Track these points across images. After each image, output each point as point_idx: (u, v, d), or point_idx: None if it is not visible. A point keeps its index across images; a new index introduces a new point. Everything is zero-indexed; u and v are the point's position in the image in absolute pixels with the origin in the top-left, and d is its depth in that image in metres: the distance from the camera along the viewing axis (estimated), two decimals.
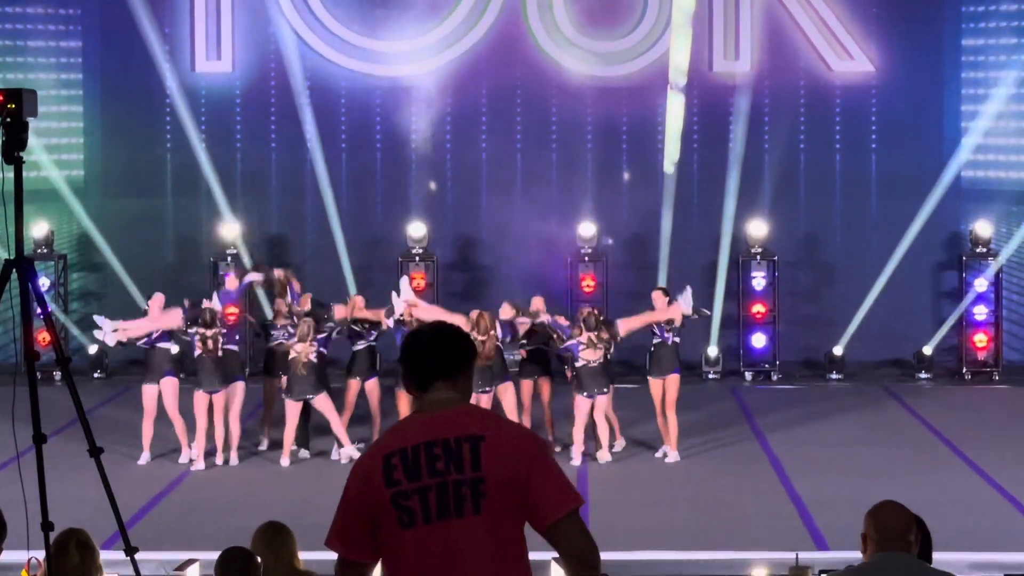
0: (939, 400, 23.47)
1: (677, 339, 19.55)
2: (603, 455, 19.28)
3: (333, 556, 12.85)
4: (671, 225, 25.69)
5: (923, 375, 25.14)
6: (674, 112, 25.92)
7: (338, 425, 19.26)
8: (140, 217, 26.61)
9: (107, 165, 26.83)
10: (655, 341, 19.58)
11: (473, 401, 6.28)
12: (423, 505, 5.87)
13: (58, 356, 8.20)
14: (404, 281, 20.52)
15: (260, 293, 24.81)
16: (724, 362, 25.33)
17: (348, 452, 19.11)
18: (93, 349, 25.05)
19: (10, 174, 7.86)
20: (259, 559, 7.91)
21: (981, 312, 25.16)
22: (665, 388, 19.47)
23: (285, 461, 19.13)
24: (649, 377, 19.72)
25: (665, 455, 19.54)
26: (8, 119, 7.86)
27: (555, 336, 19.52)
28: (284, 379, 19.35)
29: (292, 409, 19.11)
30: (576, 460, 19.05)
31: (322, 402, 19.13)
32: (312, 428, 19.89)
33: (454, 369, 6.06)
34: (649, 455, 19.74)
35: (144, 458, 19.08)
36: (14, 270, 7.78)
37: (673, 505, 17.42)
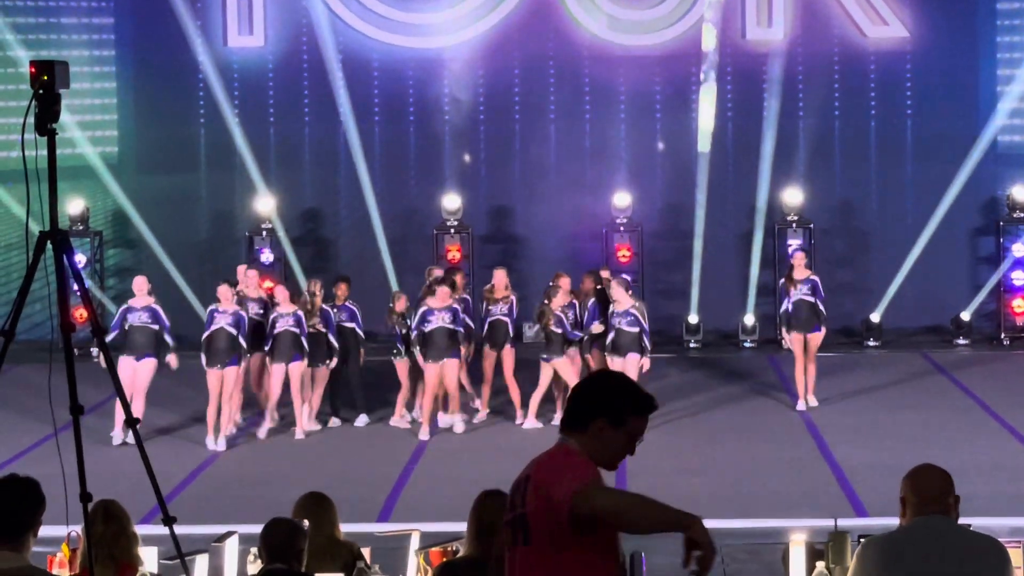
0: (978, 366, 23.41)
1: (812, 298, 20.46)
2: None
3: (372, 528, 12.92)
4: (706, 194, 25.65)
5: (961, 341, 25.07)
6: (707, 91, 25.94)
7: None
8: (175, 192, 26.68)
9: (141, 141, 26.90)
10: (794, 300, 20.50)
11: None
12: (509, 533, 6.20)
13: (94, 327, 8.21)
14: None
15: (299, 271, 24.93)
16: (760, 330, 25.27)
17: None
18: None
19: (43, 151, 7.88)
20: (306, 528, 7.91)
21: (1019, 277, 25.08)
22: (808, 342, 20.42)
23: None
24: (793, 332, 20.59)
25: (807, 404, 20.38)
26: (41, 91, 7.87)
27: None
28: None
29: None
30: None
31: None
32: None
33: (574, 424, 6.23)
34: (687, 423, 19.73)
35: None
36: (49, 243, 7.79)
37: (712, 473, 17.43)
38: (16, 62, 25.12)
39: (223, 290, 19.21)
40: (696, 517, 5.87)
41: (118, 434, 18.52)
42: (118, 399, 16.75)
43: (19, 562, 6.76)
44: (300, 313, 19.29)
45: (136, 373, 18.69)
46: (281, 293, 19.48)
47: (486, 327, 20.16)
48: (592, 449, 6.17)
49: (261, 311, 19.68)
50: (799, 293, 20.50)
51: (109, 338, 18.45)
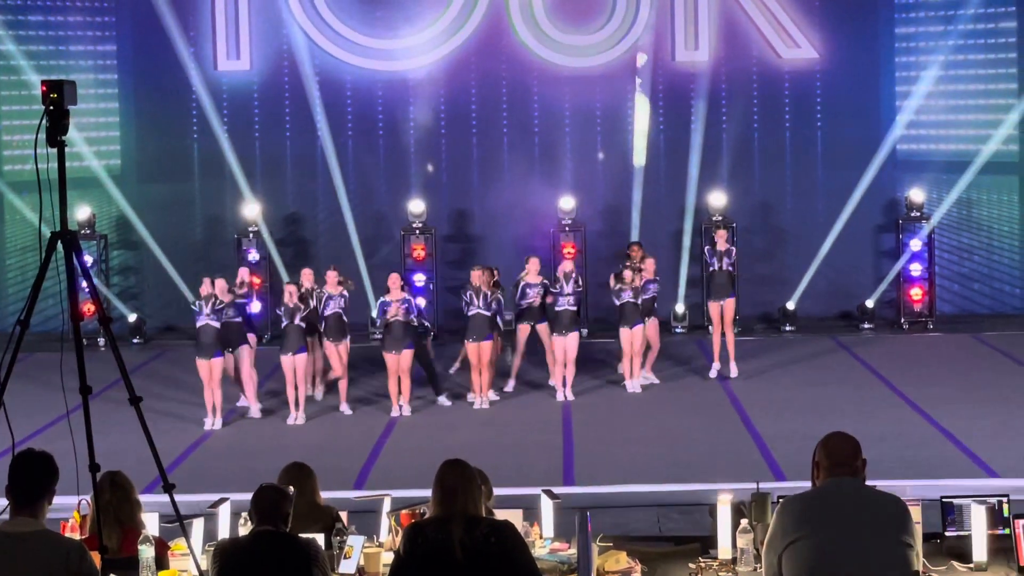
0: (880, 347, 23.50)
1: (731, 268, 21.05)
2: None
3: (349, 494, 12.83)
4: (641, 197, 25.71)
5: (866, 326, 25.17)
6: (641, 115, 25.97)
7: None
8: (171, 199, 26.58)
9: (141, 154, 26.78)
10: (711, 269, 21.08)
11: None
12: None
13: (100, 316, 8.16)
14: None
15: (281, 268, 24.87)
16: (690, 318, 25.32)
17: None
18: (132, 317, 25.09)
19: (54, 164, 7.83)
20: (292, 494, 7.87)
21: (916, 269, 25.19)
22: (723, 310, 20.92)
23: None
24: (710, 301, 21.23)
25: (719, 373, 20.90)
26: (51, 107, 7.83)
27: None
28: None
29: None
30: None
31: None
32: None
33: None
34: (628, 398, 19.75)
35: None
36: (59, 242, 7.75)
37: (649, 442, 17.44)
38: (30, 85, 25.00)
39: (205, 287, 19.02)
40: None
41: (208, 420, 18.61)
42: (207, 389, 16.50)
43: (36, 526, 6.74)
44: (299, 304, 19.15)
45: (211, 371, 18.63)
46: (290, 295, 19.17)
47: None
48: None
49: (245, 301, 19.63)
50: (720, 263, 20.94)
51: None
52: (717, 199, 25.28)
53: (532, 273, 20.46)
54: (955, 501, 9.12)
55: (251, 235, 25.21)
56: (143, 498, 8.86)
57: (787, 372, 21.54)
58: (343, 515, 9.31)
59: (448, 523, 7.16)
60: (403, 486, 12.25)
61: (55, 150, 7.80)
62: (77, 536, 8.74)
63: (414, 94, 26.60)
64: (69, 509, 9.11)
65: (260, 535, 7.55)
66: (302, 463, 9.29)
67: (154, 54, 26.18)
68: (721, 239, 21.22)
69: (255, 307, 20.68)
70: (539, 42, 26.42)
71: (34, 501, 6.75)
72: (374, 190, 26.70)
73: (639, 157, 25.97)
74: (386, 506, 9.70)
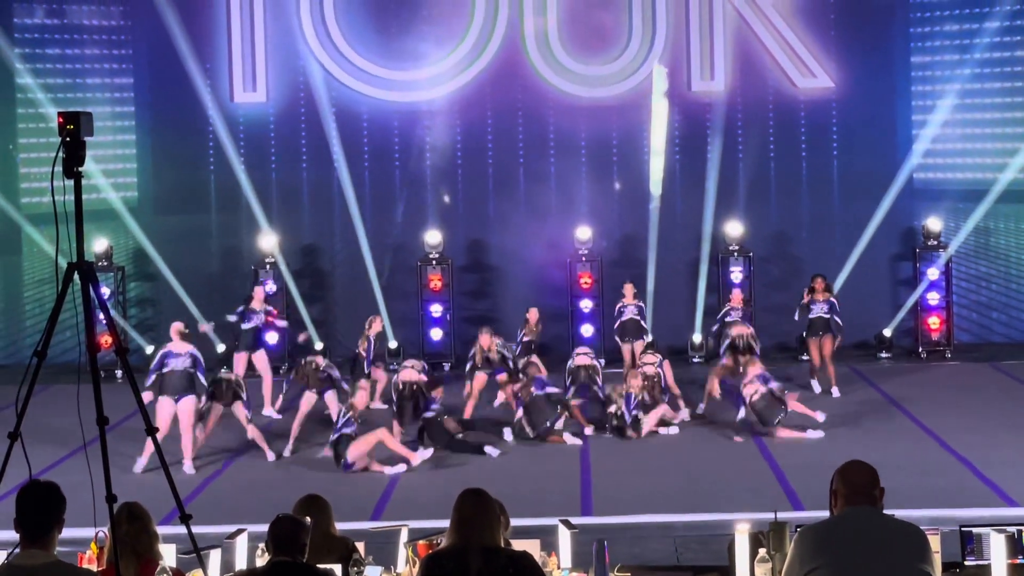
0: (898, 376, 23.42)
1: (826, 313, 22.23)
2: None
3: (363, 525, 12.83)
4: (658, 227, 25.70)
5: (884, 355, 25.12)
6: (657, 143, 25.99)
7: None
8: (188, 231, 26.63)
9: (158, 186, 26.85)
10: (812, 316, 22.31)
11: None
12: None
13: (117, 347, 8.17)
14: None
15: (299, 300, 24.87)
16: (707, 347, 25.27)
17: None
18: (149, 349, 25.10)
19: (71, 195, 7.85)
20: (309, 524, 7.85)
21: (934, 298, 25.14)
22: (822, 344, 22.17)
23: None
24: (809, 339, 22.38)
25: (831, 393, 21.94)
26: (68, 138, 7.85)
27: None
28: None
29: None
30: None
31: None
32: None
33: None
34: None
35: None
36: (76, 273, 7.76)
37: (666, 472, 17.39)
38: (47, 118, 25.11)
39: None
40: None
41: (141, 462, 18.00)
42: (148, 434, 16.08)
43: (47, 558, 6.71)
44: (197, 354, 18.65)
45: (178, 412, 18.07)
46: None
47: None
48: None
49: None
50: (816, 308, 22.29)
51: (149, 381, 17.81)
52: (733, 228, 25.30)
53: (629, 296, 22.67)
54: (974, 530, 9.09)
55: (268, 267, 25.26)
56: (160, 529, 8.83)
57: (804, 401, 21.45)
58: (360, 546, 9.30)
59: (466, 553, 7.14)
60: (420, 517, 12.22)
61: (72, 181, 7.83)
62: (94, 568, 8.72)
63: (430, 125, 26.66)
64: (86, 541, 9.10)
65: (277, 566, 7.53)
66: (317, 495, 9.28)
67: (171, 86, 26.27)
68: (820, 287, 22.35)
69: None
70: (554, 72, 26.48)
71: (43, 533, 6.72)
72: (390, 221, 26.73)
73: (655, 186, 25.96)
74: (403, 536, 9.68)
